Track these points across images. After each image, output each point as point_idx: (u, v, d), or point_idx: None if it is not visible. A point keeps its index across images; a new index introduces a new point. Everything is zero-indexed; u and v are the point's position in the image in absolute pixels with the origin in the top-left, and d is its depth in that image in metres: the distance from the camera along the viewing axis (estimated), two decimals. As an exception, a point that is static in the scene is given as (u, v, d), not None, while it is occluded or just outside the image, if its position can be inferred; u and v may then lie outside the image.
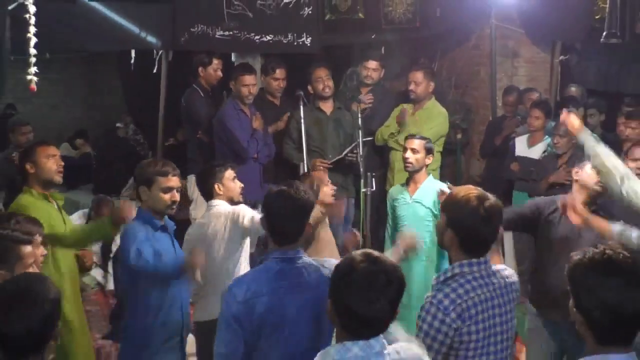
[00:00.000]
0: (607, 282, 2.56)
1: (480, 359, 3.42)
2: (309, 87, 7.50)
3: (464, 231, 3.44)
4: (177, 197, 4.69)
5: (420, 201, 6.03)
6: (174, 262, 4.59)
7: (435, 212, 5.96)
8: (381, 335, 2.79)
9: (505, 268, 3.64)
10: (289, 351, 3.48)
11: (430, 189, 6.05)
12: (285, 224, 3.65)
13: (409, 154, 5.94)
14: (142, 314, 4.64)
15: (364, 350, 2.72)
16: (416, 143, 5.95)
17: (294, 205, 3.63)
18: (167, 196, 4.59)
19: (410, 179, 6.08)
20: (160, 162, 4.89)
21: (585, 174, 4.90)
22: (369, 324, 2.74)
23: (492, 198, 3.51)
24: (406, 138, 6.19)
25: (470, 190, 3.53)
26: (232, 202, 5.27)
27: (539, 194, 6.44)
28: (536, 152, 7.41)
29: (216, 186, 5.22)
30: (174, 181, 4.63)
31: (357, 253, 2.86)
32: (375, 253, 2.86)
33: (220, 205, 5.25)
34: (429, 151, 6.02)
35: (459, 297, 3.34)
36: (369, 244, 7.02)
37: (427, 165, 6.07)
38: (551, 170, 6.97)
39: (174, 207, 4.70)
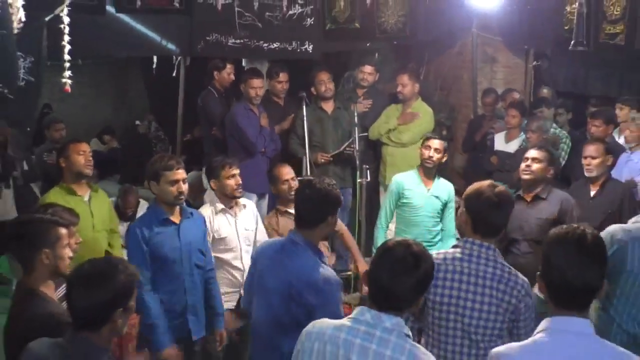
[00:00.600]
0: (568, 257, 2.60)
1: (447, 324, 3.49)
2: (312, 89, 7.58)
3: (474, 214, 3.54)
4: (184, 188, 4.61)
5: (437, 195, 6.05)
6: (172, 253, 4.55)
7: (448, 206, 6.09)
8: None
9: (516, 274, 3.49)
10: (266, 312, 3.69)
11: (444, 185, 6.15)
12: (302, 208, 3.78)
13: (432, 153, 5.91)
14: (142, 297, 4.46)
15: (375, 318, 2.75)
16: (437, 143, 5.96)
17: (315, 193, 3.71)
18: (173, 188, 4.54)
19: (426, 174, 6.04)
20: (165, 157, 4.83)
21: None
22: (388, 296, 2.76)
23: (501, 188, 3.62)
24: (427, 139, 6.12)
25: (484, 182, 3.64)
26: (227, 197, 5.28)
27: (513, 184, 6.46)
28: (512, 147, 7.51)
29: (212, 182, 5.34)
30: (179, 174, 4.57)
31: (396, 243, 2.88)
32: (410, 241, 2.89)
33: (203, 209, 5.31)
34: (446, 150, 6.09)
35: (438, 258, 3.46)
36: (364, 228, 7.11)
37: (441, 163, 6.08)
38: (519, 162, 7.05)
39: (182, 197, 4.62)
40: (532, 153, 5.37)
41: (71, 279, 2.77)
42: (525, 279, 3.50)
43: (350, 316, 2.83)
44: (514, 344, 2.68)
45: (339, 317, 3.25)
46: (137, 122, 10.39)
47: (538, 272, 2.72)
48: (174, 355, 4.51)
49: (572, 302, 2.61)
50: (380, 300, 2.77)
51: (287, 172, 5.61)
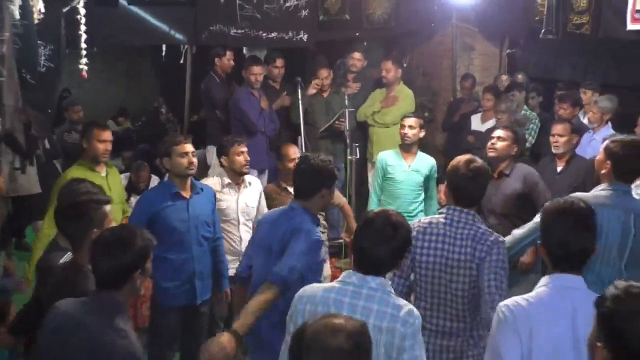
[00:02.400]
0: (563, 221, 2.72)
1: (432, 280, 3.51)
2: (315, 81, 7.62)
3: (453, 185, 3.58)
4: (194, 159, 4.64)
5: (418, 170, 6.02)
6: (180, 225, 4.54)
7: (431, 177, 6.09)
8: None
9: (492, 233, 3.54)
10: (266, 267, 3.64)
11: (424, 160, 6.11)
12: (298, 180, 3.81)
13: (407, 130, 5.91)
14: (160, 262, 4.43)
15: (360, 280, 2.78)
16: (412, 120, 5.95)
17: (310, 167, 3.74)
18: (184, 160, 4.56)
19: (406, 151, 6.03)
20: (173, 135, 4.90)
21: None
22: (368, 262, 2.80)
23: (479, 162, 3.62)
24: (403, 117, 6.14)
25: (462, 158, 3.65)
26: (235, 172, 5.22)
27: (486, 159, 6.74)
28: (487, 127, 7.38)
29: (222, 159, 5.25)
30: (187, 147, 4.60)
31: (378, 213, 2.93)
32: (391, 212, 2.93)
33: (211, 180, 5.32)
34: (421, 126, 6.01)
35: (425, 223, 3.57)
36: (353, 200, 7.07)
37: (420, 139, 6.04)
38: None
39: (192, 168, 4.63)
40: (498, 132, 5.34)
41: (95, 245, 2.79)
42: (501, 236, 3.57)
43: (338, 279, 2.86)
44: (518, 298, 2.71)
45: (299, 257, 3.47)
46: (158, 106, 10.28)
47: (538, 242, 2.83)
48: None
49: (571, 264, 2.72)
50: (364, 265, 2.81)
51: (294, 151, 5.56)
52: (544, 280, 2.73)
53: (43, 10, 4.34)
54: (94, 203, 3.40)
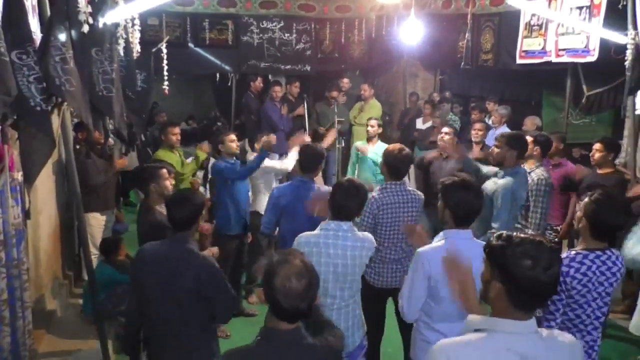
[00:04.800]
0: (461, 192, 2.53)
1: (387, 230, 3.38)
2: (331, 94, 7.42)
3: (389, 165, 3.45)
4: (238, 144, 4.76)
5: (377, 152, 5.77)
6: (236, 179, 4.59)
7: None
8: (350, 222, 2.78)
9: (414, 190, 3.50)
10: (293, 227, 3.43)
11: (382, 148, 5.88)
12: (303, 160, 3.71)
13: (369, 128, 5.87)
14: (222, 209, 4.63)
15: (337, 225, 2.74)
16: (373, 122, 5.91)
17: (311, 151, 3.71)
18: (233, 144, 4.65)
19: (370, 140, 5.93)
20: (224, 131, 5.00)
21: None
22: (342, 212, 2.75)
23: (406, 149, 3.51)
24: (369, 119, 6.07)
25: (396, 146, 3.54)
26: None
27: (427, 148, 6.63)
28: (426, 126, 7.49)
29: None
30: (233, 137, 4.69)
31: (346, 180, 2.86)
32: (354, 179, 2.89)
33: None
34: (379, 126, 5.96)
35: (379, 197, 3.39)
36: (340, 175, 7.10)
37: (379, 134, 5.96)
38: (429, 135, 7.11)
39: (238, 150, 4.74)
40: (445, 129, 5.21)
41: (169, 200, 2.77)
42: (421, 193, 3.50)
43: (320, 227, 2.79)
44: (429, 246, 2.57)
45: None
46: (215, 113, 10.13)
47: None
48: None
49: (467, 221, 2.56)
50: (338, 214, 2.76)
51: (307, 139, 5.58)
52: (446, 233, 2.55)
53: (139, 50, 4.32)
54: (152, 168, 3.46)
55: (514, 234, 1.58)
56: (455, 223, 2.55)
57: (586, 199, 2.48)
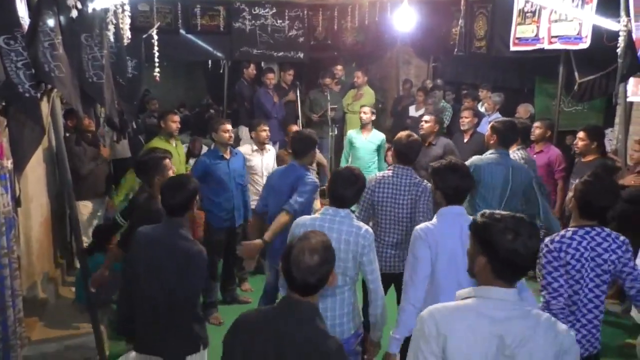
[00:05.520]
0: (450, 173, 2.66)
1: (384, 214, 3.48)
2: (325, 81, 7.37)
3: (396, 150, 3.57)
4: (232, 134, 4.69)
5: (371, 141, 5.92)
6: (224, 176, 4.48)
7: (381, 147, 5.97)
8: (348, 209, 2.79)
9: (423, 181, 3.48)
10: (278, 204, 3.63)
11: (377, 135, 5.97)
12: (295, 145, 3.79)
13: (362, 115, 5.85)
14: (206, 204, 4.56)
15: (334, 211, 2.75)
16: (367, 109, 5.91)
17: (302, 136, 3.78)
18: (226, 135, 4.54)
19: (363, 128, 5.93)
20: (219, 119, 4.89)
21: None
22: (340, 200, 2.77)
23: (415, 135, 3.61)
24: (361, 107, 6.06)
25: (404, 133, 3.64)
26: (260, 142, 5.07)
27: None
28: (419, 114, 7.32)
29: (252, 133, 5.18)
30: (228, 126, 4.58)
31: (345, 168, 2.91)
32: (353, 167, 2.91)
33: (245, 148, 5.20)
34: (373, 113, 5.94)
35: (379, 175, 3.53)
36: (333, 163, 7.14)
37: (372, 120, 5.95)
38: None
39: (231, 139, 4.63)
40: (425, 117, 5.25)
41: (163, 185, 2.76)
42: (429, 183, 3.39)
43: (319, 212, 2.82)
44: (428, 223, 2.67)
45: (304, 195, 3.54)
46: (207, 101, 10.01)
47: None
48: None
49: (458, 199, 2.68)
50: (336, 201, 2.77)
51: (295, 129, 5.72)
52: (440, 211, 2.68)
53: (130, 36, 4.26)
54: (156, 158, 3.39)
55: (497, 211, 1.68)
56: (447, 202, 2.67)
57: (576, 182, 2.64)
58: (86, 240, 4.77)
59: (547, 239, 2.59)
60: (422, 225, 2.66)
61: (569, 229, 2.60)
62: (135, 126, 7.25)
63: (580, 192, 2.59)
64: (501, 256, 1.59)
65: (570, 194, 2.61)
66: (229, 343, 1.86)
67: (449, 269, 2.54)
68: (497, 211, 1.68)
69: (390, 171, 3.54)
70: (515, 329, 1.56)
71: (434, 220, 2.66)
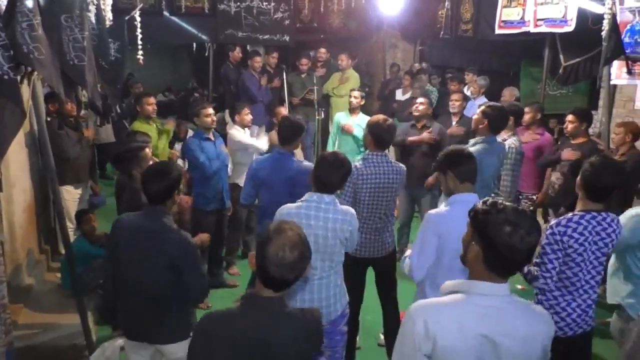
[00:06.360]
0: (461, 162, 2.63)
1: (370, 197, 3.36)
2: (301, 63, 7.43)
3: (375, 135, 3.37)
4: (215, 118, 4.61)
5: (359, 124, 5.69)
6: (212, 156, 4.47)
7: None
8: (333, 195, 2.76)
9: (396, 162, 3.45)
10: (272, 198, 3.45)
11: (364, 119, 5.72)
12: (282, 132, 3.66)
13: (352, 99, 5.73)
14: (197, 185, 4.57)
15: (319, 197, 2.71)
16: (356, 93, 5.78)
17: (289, 122, 3.65)
18: (208, 119, 4.50)
19: (352, 112, 5.80)
20: (200, 102, 4.81)
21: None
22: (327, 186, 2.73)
23: (391, 120, 3.46)
24: (351, 90, 5.94)
25: (380, 116, 3.47)
26: (244, 125, 5.04)
27: (406, 120, 6.37)
28: (406, 97, 7.48)
29: (236, 117, 5.11)
30: (209, 110, 4.53)
31: (330, 153, 2.84)
32: (338, 152, 2.86)
33: (233, 129, 5.17)
34: (362, 97, 5.82)
35: (361, 166, 3.33)
36: (318, 147, 7.13)
37: (361, 105, 5.81)
38: (410, 107, 7.01)
39: (214, 124, 4.59)
40: (420, 99, 5.22)
41: (146, 174, 2.67)
42: (403, 165, 3.46)
43: (302, 199, 2.75)
44: (440, 208, 2.65)
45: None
46: (192, 84, 9.92)
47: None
48: None
49: (463, 188, 2.66)
50: (321, 187, 2.72)
51: (283, 112, 5.61)
52: (453, 198, 2.62)
53: (111, 18, 4.17)
54: (136, 150, 3.32)
55: (499, 200, 1.60)
56: (447, 190, 2.66)
57: (585, 164, 2.62)
58: (70, 226, 4.72)
59: (553, 221, 2.60)
60: (434, 211, 2.63)
61: (576, 212, 2.58)
62: (119, 110, 7.22)
63: (589, 173, 2.57)
64: (496, 248, 1.53)
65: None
66: (194, 352, 1.74)
67: (457, 256, 2.55)
68: (500, 200, 1.60)
69: (370, 158, 3.40)
70: (504, 325, 1.54)
71: (447, 206, 2.62)
